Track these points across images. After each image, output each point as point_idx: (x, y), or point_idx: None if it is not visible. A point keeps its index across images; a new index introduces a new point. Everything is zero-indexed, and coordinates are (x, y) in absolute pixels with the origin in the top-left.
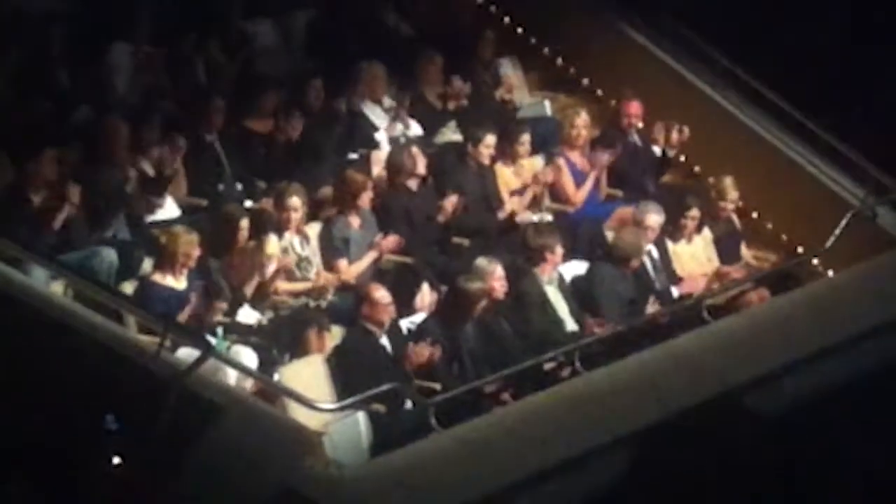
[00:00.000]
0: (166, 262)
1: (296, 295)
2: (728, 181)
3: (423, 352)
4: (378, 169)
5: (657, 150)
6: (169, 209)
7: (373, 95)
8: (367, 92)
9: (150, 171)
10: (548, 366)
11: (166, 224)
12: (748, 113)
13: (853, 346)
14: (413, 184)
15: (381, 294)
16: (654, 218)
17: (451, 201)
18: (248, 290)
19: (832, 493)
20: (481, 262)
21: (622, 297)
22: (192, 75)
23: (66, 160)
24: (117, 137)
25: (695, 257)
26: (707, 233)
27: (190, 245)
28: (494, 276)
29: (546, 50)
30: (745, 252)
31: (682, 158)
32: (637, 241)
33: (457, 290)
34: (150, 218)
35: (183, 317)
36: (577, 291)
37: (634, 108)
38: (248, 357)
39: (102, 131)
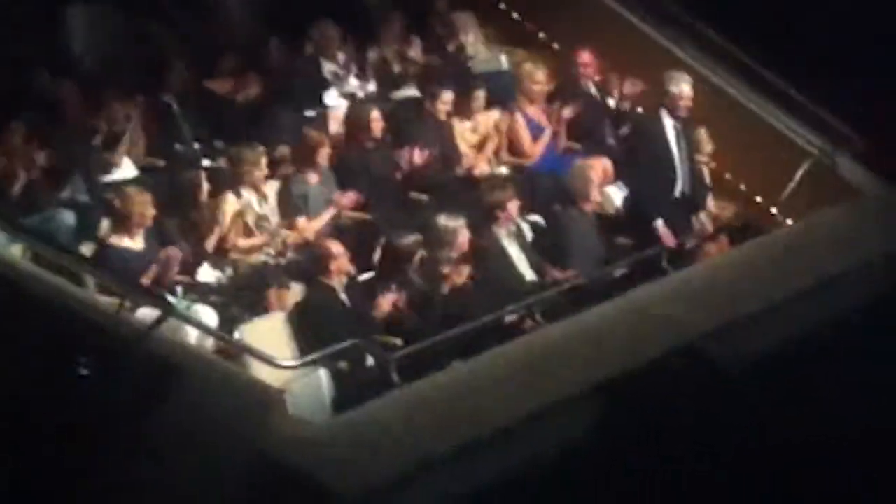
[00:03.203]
0: (122, 223)
1: (254, 251)
2: (703, 133)
3: (387, 300)
4: (336, 126)
5: (613, 102)
6: (126, 170)
7: (327, 53)
8: (322, 50)
9: (105, 128)
10: (509, 319)
11: (121, 185)
12: (705, 63)
13: (814, 295)
14: (371, 141)
15: (338, 249)
16: (684, 88)
17: (409, 153)
18: (208, 248)
19: (796, 442)
20: (444, 219)
21: (588, 240)
22: (149, 36)
23: (28, 125)
24: (74, 100)
25: None
26: None
27: (144, 205)
28: (459, 232)
29: (502, 4)
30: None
31: (640, 110)
32: (584, 176)
33: (389, 247)
34: (107, 178)
35: (144, 278)
36: (541, 242)
37: (585, 57)
38: (209, 316)
39: (59, 94)
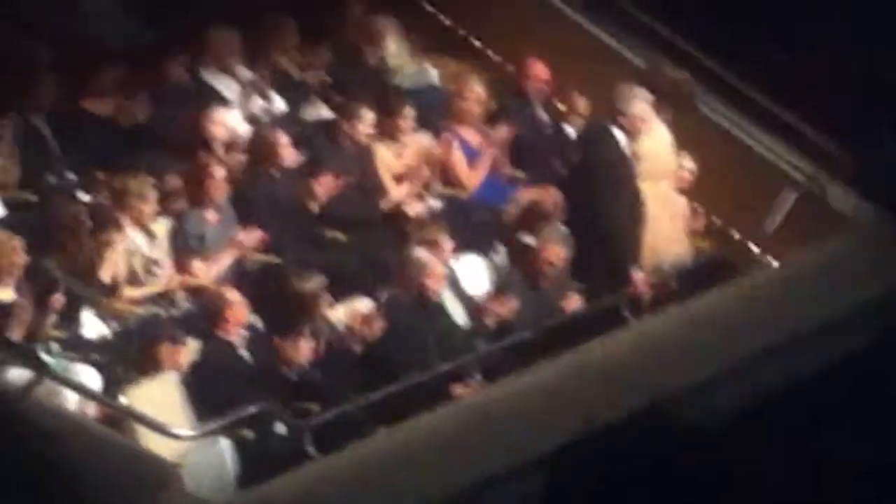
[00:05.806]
0: None
1: (144, 302)
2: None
3: (304, 348)
4: (237, 153)
5: (566, 125)
6: None
7: (224, 66)
8: (218, 62)
9: None
10: (442, 378)
11: None
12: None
13: (800, 346)
14: (278, 170)
15: (235, 297)
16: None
17: (323, 183)
18: (89, 296)
19: None
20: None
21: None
22: (14, 45)
23: None
24: None
25: None
26: None
27: (13, 252)
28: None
29: (430, 7)
30: None
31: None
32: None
33: (288, 292)
34: None
35: (13, 332)
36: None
37: (539, 69)
38: (91, 377)
39: None
